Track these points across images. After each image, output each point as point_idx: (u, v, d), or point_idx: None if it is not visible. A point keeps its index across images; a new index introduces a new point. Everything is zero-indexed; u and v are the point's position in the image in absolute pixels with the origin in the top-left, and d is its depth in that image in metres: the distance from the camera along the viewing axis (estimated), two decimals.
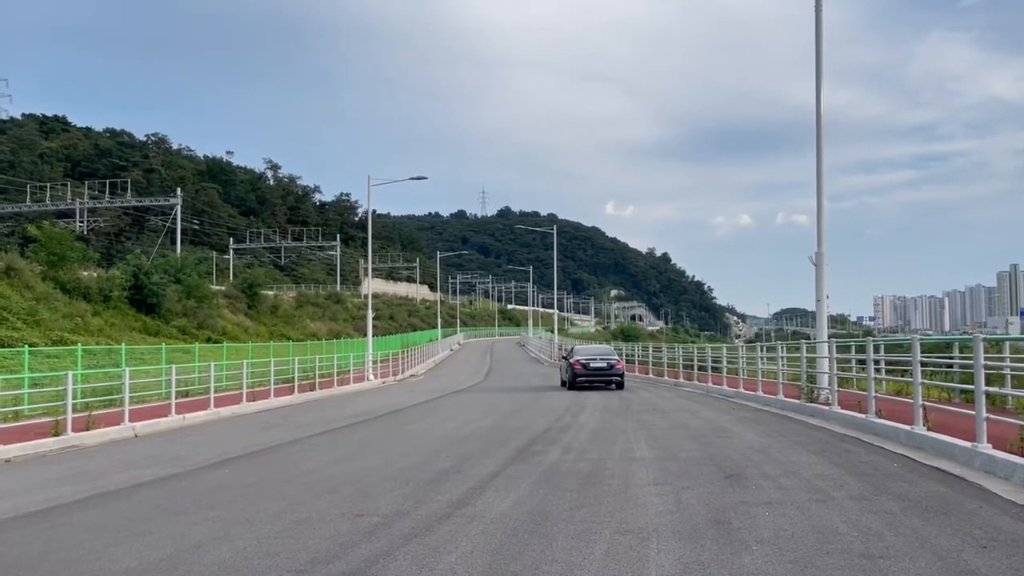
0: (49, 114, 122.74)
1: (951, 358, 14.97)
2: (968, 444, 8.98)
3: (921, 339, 11.59)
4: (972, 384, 9.36)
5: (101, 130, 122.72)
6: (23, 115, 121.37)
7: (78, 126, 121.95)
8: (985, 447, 8.66)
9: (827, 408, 14.58)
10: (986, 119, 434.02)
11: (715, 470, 9.14)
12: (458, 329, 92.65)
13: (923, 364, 11.29)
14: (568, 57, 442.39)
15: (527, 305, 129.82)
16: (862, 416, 12.73)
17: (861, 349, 16.32)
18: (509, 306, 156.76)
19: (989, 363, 9.32)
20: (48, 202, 73.03)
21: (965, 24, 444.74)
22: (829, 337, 17.12)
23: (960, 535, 5.90)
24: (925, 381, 11.82)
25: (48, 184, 78.01)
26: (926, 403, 11.04)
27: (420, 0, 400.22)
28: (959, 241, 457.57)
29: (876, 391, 13.11)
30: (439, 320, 75.22)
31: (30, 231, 44.87)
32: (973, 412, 9.07)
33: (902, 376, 15.78)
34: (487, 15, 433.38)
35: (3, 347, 25.99)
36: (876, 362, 13.59)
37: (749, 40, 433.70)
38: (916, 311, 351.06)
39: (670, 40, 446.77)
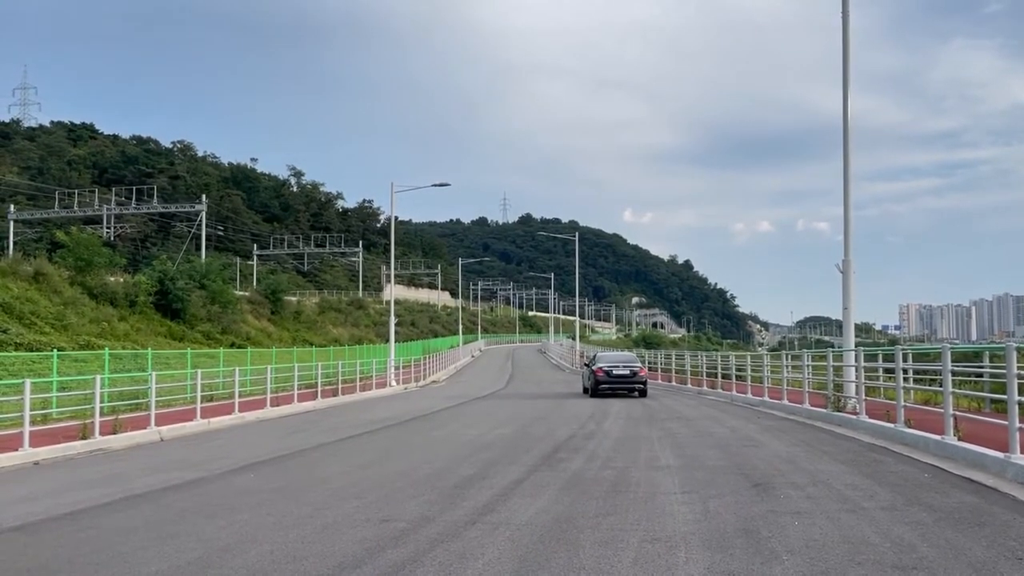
0: (77, 121, 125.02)
1: (981, 367, 14.74)
2: (1001, 455, 8.84)
3: (950, 348, 11.43)
4: (1004, 393, 9.22)
5: (128, 137, 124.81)
6: (52, 123, 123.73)
7: (105, 133, 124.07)
8: (1019, 458, 8.52)
9: (854, 417, 14.41)
10: (1011, 126, 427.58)
11: (742, 479, 9.05)
12: (479, 335, 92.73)
13: (953, 373, 11.13)
14: (587, 62, 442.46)
15: (548, 312, 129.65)
16: (891, 425, 12.58)
17: (888, 358, 16.13)
18: (530, 313, 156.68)
19: (1021, 372, 9.13)
20: (76, 208, 74.02)
21: (987, 31, 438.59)
22: (855, 345, 16.95)
23: (995, 547, 5.79)
24: (955, 390, 11.64)
25: (76, 190, 79.25)
26: (957, 413, 10.88)
27: (441, 7, 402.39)
28: (985, 249, 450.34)
29: (904, 400, 12.94)
30: (460, 326, 75.39)
31: (58, 237, 45.57)
32: (1005, 422, 8.93)
33: (930, 385, 15.57)
34: (506, 21, 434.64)
35: (32, 351, 26.35)
36: (905, 371, 13.42)
37: (769, 46, 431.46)
38: (942, 320, 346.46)
39: (689, 46, 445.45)
